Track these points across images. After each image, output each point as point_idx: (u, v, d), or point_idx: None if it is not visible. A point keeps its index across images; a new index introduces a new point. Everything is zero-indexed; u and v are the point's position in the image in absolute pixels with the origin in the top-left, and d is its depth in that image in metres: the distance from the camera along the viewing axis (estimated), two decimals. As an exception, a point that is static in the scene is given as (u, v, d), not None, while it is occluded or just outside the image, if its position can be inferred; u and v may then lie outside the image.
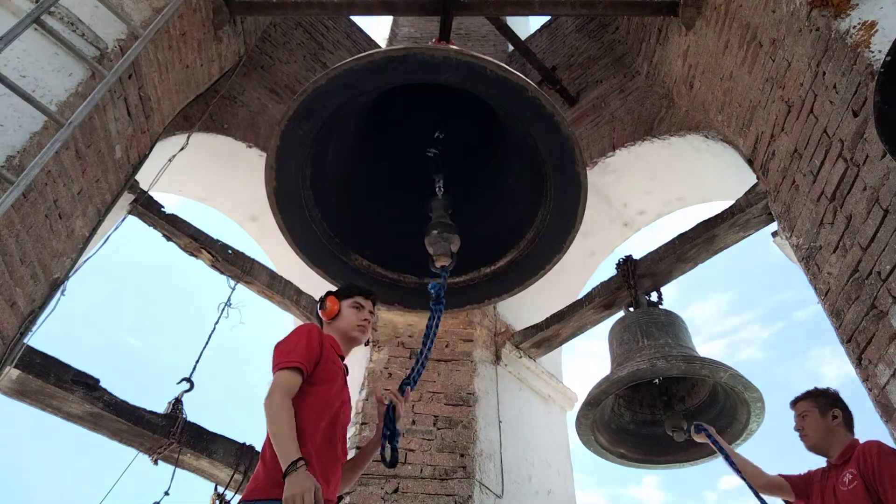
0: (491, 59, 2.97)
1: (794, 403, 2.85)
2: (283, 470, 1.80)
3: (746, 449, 3.51)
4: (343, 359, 2.39)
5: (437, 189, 3.53)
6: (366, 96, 3.33)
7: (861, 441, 2.59)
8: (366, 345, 4.40)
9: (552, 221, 3.53)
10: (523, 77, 3.00)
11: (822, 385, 2.86)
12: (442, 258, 3.09)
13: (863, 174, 2.47)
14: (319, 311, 2.52)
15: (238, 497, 3.81)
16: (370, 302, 2.54)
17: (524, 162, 3.74)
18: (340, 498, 3.60)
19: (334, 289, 2.69)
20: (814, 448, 2.74)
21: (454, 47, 3.23)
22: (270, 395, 2.00)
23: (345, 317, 2.45)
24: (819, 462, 2.78)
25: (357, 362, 4.27)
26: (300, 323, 3.69)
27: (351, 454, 3.04)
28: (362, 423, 3.90)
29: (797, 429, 2.79)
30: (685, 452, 3.65)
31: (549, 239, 3.60)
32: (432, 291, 2.88)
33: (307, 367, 2.10)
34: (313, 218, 3.59)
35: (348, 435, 2.82)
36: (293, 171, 3.35)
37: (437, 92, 3.53)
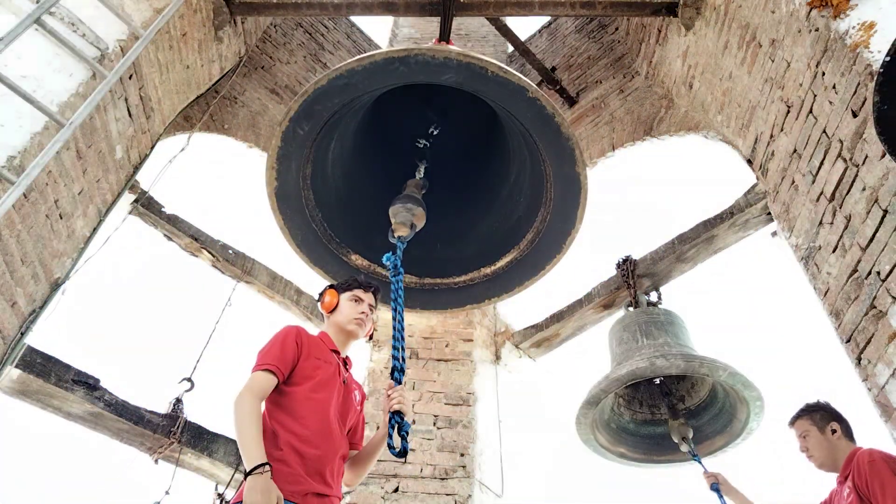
0: (492, 60, 2.98)
1: (792, 423, 2.78)
2: (247, 470, 1.81)
3: (749, 447, 3.51)
4: (338, 353, 2.39)
5: (416, 172, 3.52)
6: (367, 96, 3.33)
7: (863, 449, 2.50)
8: (368, 340, 4.38)
9: (552, 222, 3.54)
10: (524, 78, 3.01)
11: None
12: (401, 227, 3.01)
13: (862, 174, 2.47)
14: (319, 304, 2.52)
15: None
16: (370, 295, 2.52)
17: (524, 162, 3.74)
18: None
19: (336, 282, 2.68)
20: (822, 467, 2.65)
21: (455, 48, 3.23)
22: (240, 394, 2.02)
23: (342, 310, 2.45)
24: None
25: (357, 362, 4.27)
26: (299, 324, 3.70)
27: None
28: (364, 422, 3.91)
29: (801, 450, 2.72)
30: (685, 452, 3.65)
31: (549, 240, 3.61)
32: (388, 263, 2.69)
33: (281, 369, 2.11)
34: (313, 218, 3.60)
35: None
36: (293, 171, 3.36)
37: (438, 92, 3.53)
